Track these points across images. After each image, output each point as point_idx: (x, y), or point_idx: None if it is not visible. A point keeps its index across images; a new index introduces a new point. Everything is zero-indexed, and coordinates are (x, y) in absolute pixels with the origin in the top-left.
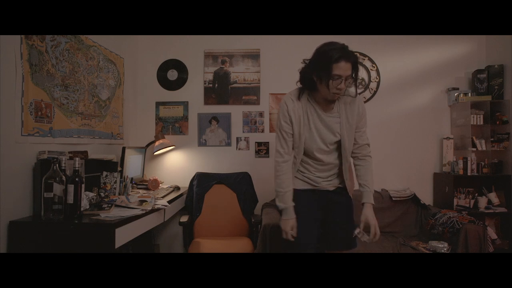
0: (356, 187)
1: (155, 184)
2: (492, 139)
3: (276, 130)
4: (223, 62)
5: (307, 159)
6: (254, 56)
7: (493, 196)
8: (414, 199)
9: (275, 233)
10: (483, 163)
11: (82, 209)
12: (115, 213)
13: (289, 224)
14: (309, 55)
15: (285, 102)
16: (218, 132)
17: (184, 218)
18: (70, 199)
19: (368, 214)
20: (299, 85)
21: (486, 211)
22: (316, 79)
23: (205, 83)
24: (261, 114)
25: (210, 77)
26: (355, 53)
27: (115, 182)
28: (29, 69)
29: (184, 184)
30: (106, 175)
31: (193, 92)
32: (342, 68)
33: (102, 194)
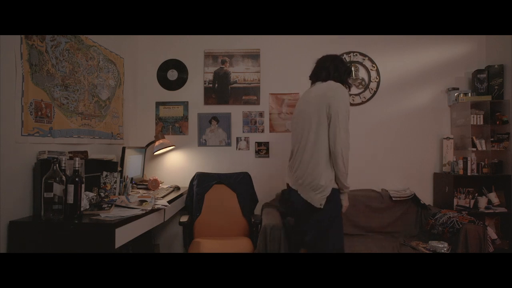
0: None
1: (155, 184)
2: (492, 139)
3: (346, 116)
4: (223, 62)
5: None
6: (254, 56)
7: (493, 196)
8: (414, 199)
9: (275, 233)
10: (483, 163)
11: (82, 209)
12: (115, 213)
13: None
14: (309, 55)
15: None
16: (218, 132)
17: (184, 218)
18: (70, 199)
19: None
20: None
21: (486, 211)
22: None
23: (205, 83)
24: (261, 114)
25: (210, 77)
26: (355, 53)
27: (115, 182)
28: (29, 69)
29: (184, 184)
30: (106, 175)
31: (193, 92)
32: None
33: (102, 194)
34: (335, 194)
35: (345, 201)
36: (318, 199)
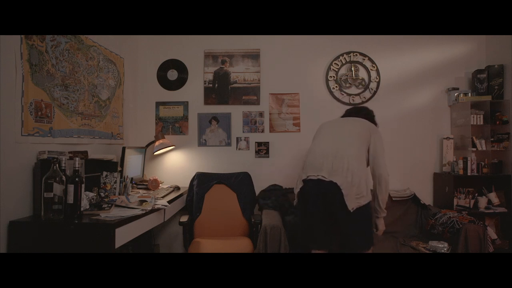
0: None
1: (155, 184)
2: (492, 139)
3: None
4: (223, 62)
5: None
6: (254, 56)
7: (493, 196)
8: (414, 199)
9: (275, 233)
10: (483, 163)
11: (82, 209)
12: (115, 213)
13: None
14: (309, 55)
15: None
16: (218, 132)
17: (184, 218)
18: (70, 199)
19: None
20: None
21: (486, 211)
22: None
23: (205, 83)
24: (261, 114)
25: (210, 77)
26: (355, 53)
27: (115, 182)
28: (29, 69)
29: (184, 184)
30: (106, 175)
31: (193, 92)
32: None
33: (102, 194)
34: (368, 208)
35: (381, 225)
36: (354, 201)
